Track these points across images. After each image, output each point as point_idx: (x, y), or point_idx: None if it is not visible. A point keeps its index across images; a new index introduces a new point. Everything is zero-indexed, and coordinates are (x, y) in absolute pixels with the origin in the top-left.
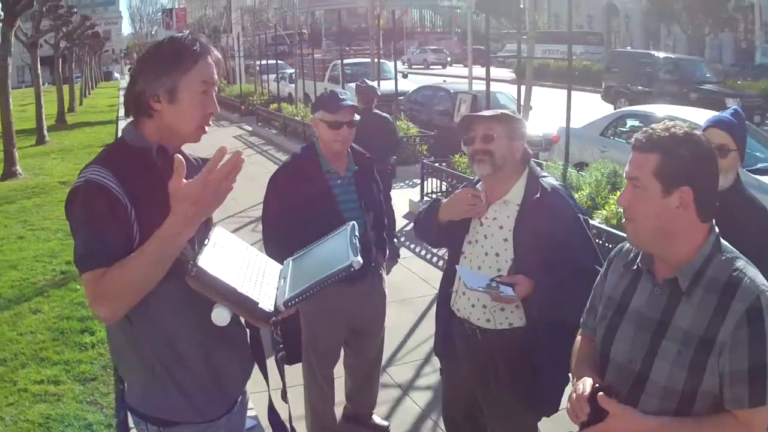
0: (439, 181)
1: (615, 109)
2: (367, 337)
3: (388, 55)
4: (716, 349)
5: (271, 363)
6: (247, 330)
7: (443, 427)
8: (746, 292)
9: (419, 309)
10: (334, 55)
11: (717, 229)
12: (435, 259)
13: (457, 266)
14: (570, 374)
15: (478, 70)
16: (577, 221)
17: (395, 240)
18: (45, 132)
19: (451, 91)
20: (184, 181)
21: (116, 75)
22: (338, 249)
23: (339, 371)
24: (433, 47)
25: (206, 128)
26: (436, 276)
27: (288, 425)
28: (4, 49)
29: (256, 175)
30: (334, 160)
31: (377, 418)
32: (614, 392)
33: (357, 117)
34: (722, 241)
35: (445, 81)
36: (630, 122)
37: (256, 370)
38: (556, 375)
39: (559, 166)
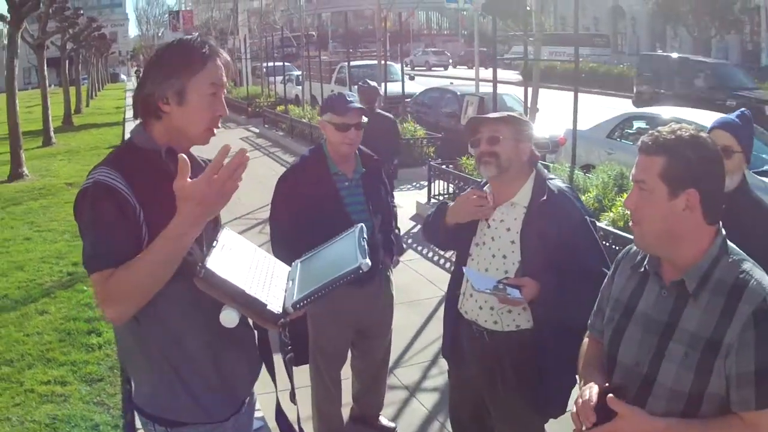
0: (446, 183)
1: None
2: (375, 339)
3: (394, 57)
4: (723, 351)
5: (278, 364)
6: (255, 331)
7: (450, 429)
8: (753, 294)
9: (426, 311)
10: (340, 57)
11: (724, 232)
12: (442, 261)
13: (464, 268)
14: (577, 376)
15: (484, 72)
16: (584, 223)
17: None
18: (51, 133)
19: (458, 93)
20: (189, 180)
21: (123, 77)
22: (347, 251)
23: (346, 373)
24: (434, 49)
25: (215, 130)
26: (443, 278)
27: (296, 427)
28: (10, 51)
29: (262, 177)
30: (342, 162)
31: (384, 420)
32: (623, 392)
33: (365, 119)
34: (729, 243)
35: (452, 83)
36: (637, 124)
37: (263, 372)
38: (563, 377)
39: (566, 168)
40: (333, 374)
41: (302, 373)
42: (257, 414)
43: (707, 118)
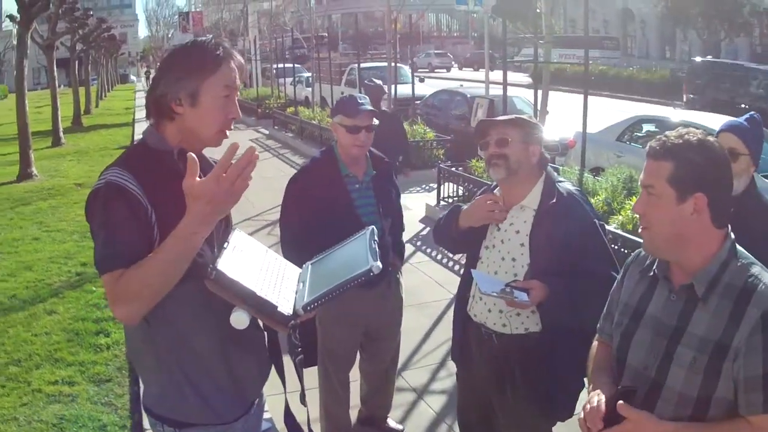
0: (455, 185)
1: None
2: (384, 342)
3: (405, 59)
4: (731, 355)
5: (286, 366)
6: (265, 333)
7: (458, 431)
8: (761, 297)
9: (435, 313)
10: (350, 59)
11: (733, 235)
12: (451, 263)
13: (472, 271)
14: (585, 380)
15: (492, 75)
16: (593, 226)
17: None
18: (61, 134)
19: (468, 95)
20: (198, 179)
21: (132, 78)
22: (358, 253)
23: (354, 375)
24: (437, 51)
25: (227, 132)
26: (453, 280)
27: (306, 429)
28: (20, 51)
29: (272, 178)
30: (353, 164)
31: (392, 422)
32: (633, 394)
33: (376, 122)
34: (738, 246)
35: (461, 85)
36: (646, 127)
37: (271, 373)
38: (571, 380)
39: (575, 171)
40: (341, 376)
41: (310, 375)
42: (265, 415)
43: (717, 121)
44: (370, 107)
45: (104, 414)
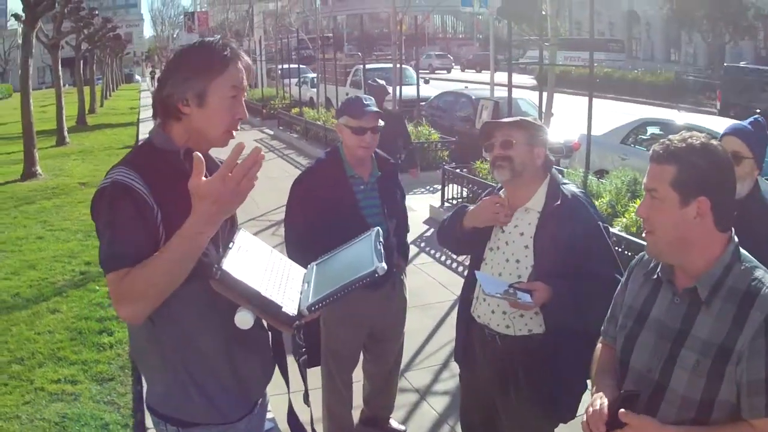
0: (460, 187)
1: None
2: (387, 342)
3: (410, 60)
4: (734, 359)
5: (290, 366)
6: (269, 333)
7: None
8: (765, 301)
9: (438, 314)
10: (355, 60)
11: (736, 239)
12: (455, 265)
13: (475, 272)
14: (589, 382)
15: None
16: (597, 229)
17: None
18: (65, 133)
19: (473, 97)
20: (204, 179)
21: (137, 77)
22: (363, 254)
23: (357, 375)
24: (437, 53)
25: (234, 133)
26: (456, 282)
27: (309, 428)
28: (25, 50)
29: (277, 178)
30: (358, 165)
31: (395, 423)
32: (636, 398)
33: (381, 123)
34: (741, 250)
35: (466, 87)
36: (651, 130)
37: (275, 373)
38: (574, 382)
39: (580, 173)
40: (345, 377)
41: (313, 375)
42: (269, 415)
43: (721, 125)
44: (375, 108)
45: (107, 413)
